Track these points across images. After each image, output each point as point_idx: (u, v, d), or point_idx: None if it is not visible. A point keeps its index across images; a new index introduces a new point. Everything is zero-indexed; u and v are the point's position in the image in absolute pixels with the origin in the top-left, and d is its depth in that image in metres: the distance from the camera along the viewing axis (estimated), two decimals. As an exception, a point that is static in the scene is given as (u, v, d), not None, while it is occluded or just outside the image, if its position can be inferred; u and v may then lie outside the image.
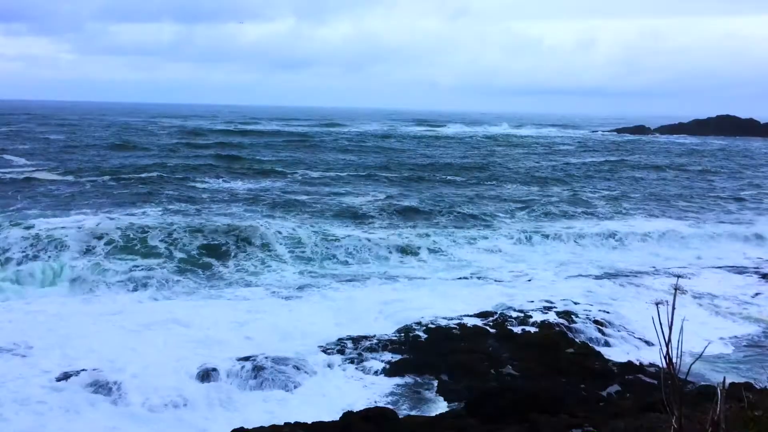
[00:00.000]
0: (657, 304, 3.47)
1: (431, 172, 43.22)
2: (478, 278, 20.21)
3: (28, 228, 21.43)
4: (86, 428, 10.25)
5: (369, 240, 23.02)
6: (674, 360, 3.21)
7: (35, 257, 19.63)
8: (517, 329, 14.72)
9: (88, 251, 20.36)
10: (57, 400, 10.90)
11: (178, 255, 20.91)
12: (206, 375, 12.18)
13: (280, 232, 23.10)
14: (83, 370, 11.91)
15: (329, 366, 13.01)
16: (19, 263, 19.29)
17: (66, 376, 11.74)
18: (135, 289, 18.09)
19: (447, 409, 10.97)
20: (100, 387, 11.40)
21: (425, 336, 14.39)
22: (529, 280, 19.94)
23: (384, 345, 14.02)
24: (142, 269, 19.46)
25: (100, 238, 21.23)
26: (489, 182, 40.00)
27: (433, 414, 10.58)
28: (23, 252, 19.84)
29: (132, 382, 11.58)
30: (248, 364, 12.57)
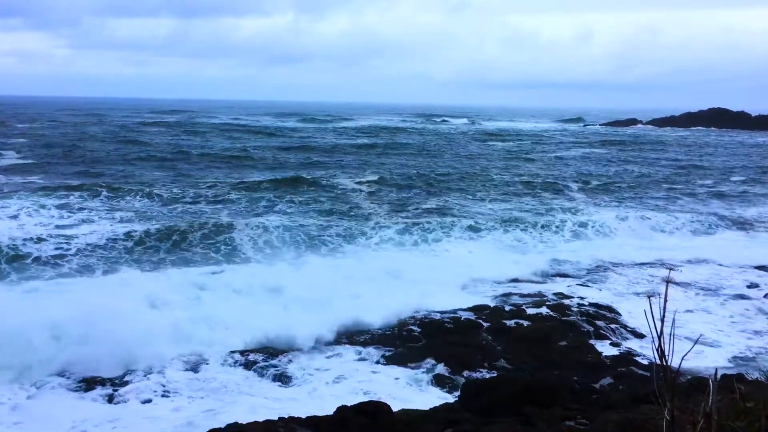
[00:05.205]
0: (649, 296, 3.46)
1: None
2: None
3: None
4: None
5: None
6: (666, 352, 3.21)
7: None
8: (511, 323, 14.75)
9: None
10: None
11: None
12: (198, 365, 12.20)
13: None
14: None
15: (324, 359, 12.99)
16: None
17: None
18: None
19: (441, 403, 10.96)
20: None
21: (419, 330, 14.40)
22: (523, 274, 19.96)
23: (378, 339, 14.04)
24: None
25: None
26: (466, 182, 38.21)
27: (427, 407, 10.57)
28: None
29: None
30: (240, 357, 12.58)
